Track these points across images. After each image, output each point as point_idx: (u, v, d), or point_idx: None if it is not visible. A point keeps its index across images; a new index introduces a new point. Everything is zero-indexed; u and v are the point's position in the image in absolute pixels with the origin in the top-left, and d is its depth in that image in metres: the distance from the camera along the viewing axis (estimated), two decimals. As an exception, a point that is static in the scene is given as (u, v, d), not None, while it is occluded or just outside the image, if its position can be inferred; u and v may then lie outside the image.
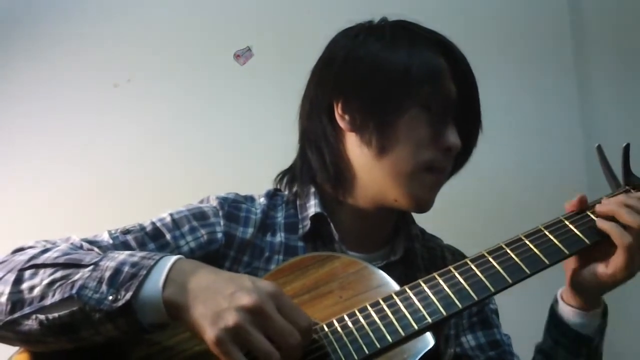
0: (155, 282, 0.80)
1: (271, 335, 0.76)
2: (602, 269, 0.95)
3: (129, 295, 0.78)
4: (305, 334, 0.79)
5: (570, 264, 1.00)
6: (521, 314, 1.51)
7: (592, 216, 0.95)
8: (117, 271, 0.81)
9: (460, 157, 1.11)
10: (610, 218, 0.93)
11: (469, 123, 1.09)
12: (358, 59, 1.06)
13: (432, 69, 1.03)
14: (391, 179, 1.04)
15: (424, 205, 1.07)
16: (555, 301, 1.06)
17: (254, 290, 0.78)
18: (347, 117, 1.06)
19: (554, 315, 1.05)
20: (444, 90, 1.04)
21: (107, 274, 0.80)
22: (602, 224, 0.93)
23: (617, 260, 0.93)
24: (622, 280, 0.94)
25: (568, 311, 1.03)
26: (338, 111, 1.06)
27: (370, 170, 1.05)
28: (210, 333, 0.75)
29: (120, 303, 0.78)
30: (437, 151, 1.03)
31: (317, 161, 1.10)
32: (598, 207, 0.95)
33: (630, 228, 0.91)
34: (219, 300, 0.77)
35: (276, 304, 0.78)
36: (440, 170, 1.05)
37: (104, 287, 0.79)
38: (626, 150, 1.01)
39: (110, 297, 0.78)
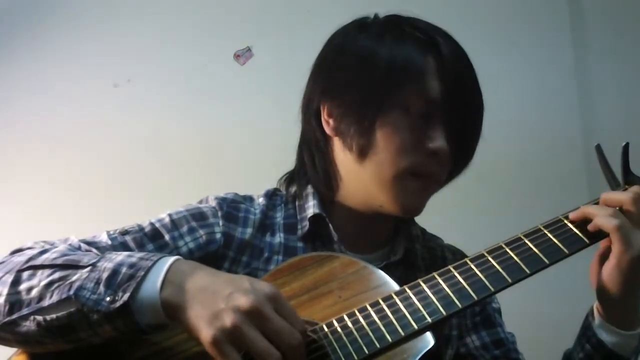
0: (153, 283, 0.80)
1: (270, 336, 0.76)
2: (608, 265, 0.92)
3: (126, 296, 0.78)
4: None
5: (594, 277, 0.97)
6: (522, 313, 1.51)
7: None
8: (114, 272, 0.80)
9: (460, 161, 1.08)
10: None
11: (466, 125, 1.04)
12: (347, 56, 1.04)
13: (414, 67, 0.99)
14: (375, 184, 1.02)
15: (412, 211, 1.05)
16: (591, 312, 1.00)
17: (252, 292, 0.77)
18: (331, 122, 1.05)
19: (588, 327, 0.99)
20: (427, 91, 0.99)
21: (105, 275, 0.80)
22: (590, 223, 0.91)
23: (614, 248, 0.90)
24: (628, 267, 0.89)
25: (603, 326, 0.97)
26: (324, 116, 1.06)
27: (355, 176, 1.04)
28: (206, 333, 0.75)
29: (117, 304, 0.78)
30: (421, 155, 0.99)
31: (309, 163, 1.10)
32: (571, 215, 0.93)
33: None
34: (216, 301, 0.77)
35: (274, 306, 0.78)
36: (426, 174, 1.01)
37: (101, 288, 0.79)
38: (625, 149, 1.00)
39: (108, 298, 0.78)
